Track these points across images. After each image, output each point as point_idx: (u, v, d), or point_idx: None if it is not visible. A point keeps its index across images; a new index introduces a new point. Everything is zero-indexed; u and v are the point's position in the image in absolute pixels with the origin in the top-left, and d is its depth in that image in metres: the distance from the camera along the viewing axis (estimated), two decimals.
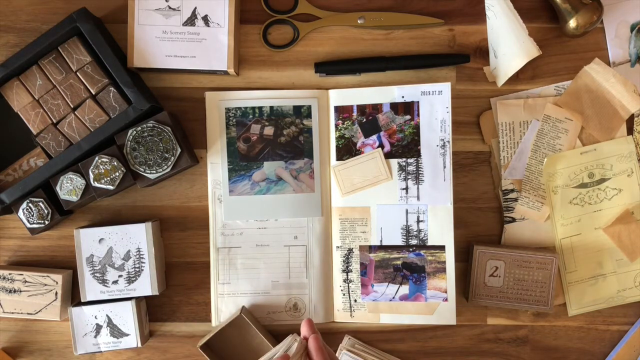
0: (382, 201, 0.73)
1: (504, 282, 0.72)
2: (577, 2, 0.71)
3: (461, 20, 0.75)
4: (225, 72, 0.73)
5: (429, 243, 0.73)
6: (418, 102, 0.73)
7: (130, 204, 0.75)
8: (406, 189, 0.73)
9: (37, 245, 0.75)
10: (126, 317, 0.72)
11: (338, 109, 0.74)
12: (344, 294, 0.74)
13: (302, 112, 0.74)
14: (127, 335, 0.72)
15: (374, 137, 0.73)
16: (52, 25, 0.70)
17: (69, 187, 0.69)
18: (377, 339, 0.76)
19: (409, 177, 0.73)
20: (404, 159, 0.73)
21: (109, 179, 0.69)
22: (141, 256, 0.72)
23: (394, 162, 0.73)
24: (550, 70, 0.75)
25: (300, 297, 0.74)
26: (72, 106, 0.71)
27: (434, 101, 0.72)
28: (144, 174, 0.70)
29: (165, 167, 0.69)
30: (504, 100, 0.74)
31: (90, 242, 0.72)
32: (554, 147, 0.74)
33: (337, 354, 0.73)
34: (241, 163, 0.74)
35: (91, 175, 0.69)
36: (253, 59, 0.75)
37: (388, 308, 0.74)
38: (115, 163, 0.69)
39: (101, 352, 0.73)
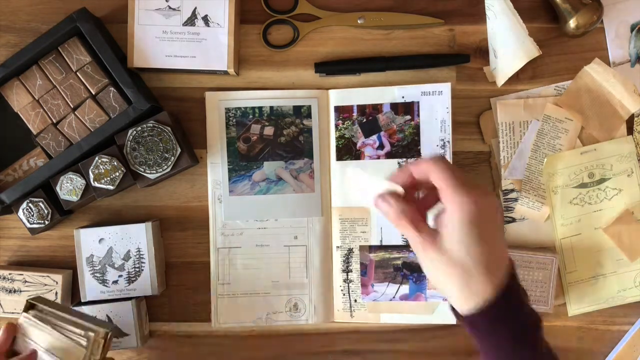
0: None
1: None
2: (577, 2, 0.71)
3: (461, 20, 0.75)
4: (225, 72, 0.73)
5: None
6: (418, 102, 0.73)
7: (130, 204, 0.75)
8: None
9: (37, 245, 0.75)
10: (126, 317, 0.72)
11: (338, 109, 0.74)
12: (344, 294, 0.74)
13: (302, 112, 0.74)
14: (127, 335, 0.72)
15: (374, 137, 0.73)
16: (52, 25, 0.70)
17: (69, 187, 0.69)
18: (377, 339, 0.76)
19: None
20: (404, 159, 0.73)
21: (109, 179, 0.69)
22: (141, 256, 0.72)
23: (394, 162, 0.73)
24: (550, 70, 0.75)
25: (300, 297, 0.74)
26: (72, 106, 0.71)
27: (434, 101, 0.72)
28: (144, 174, 0.70)
29: (165, 167, 0.69)
30: (504, 100, 0.74)
31: (90, 242, 0.72)
32: (554, 147, 0.74)
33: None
34: (241, 163, 0.74)
35: (91, 175, 0.69)
36: (253, 59, 0.75)
37: (388, 308, 0.74)
38: (115, 163, 0.69)
39: None
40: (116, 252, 0.72)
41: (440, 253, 0.49)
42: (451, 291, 0.50)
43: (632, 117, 0.74)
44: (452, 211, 0.49)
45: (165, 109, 0.71)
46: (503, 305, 0.49)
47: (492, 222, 0.50)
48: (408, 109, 0.73)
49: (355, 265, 0.74)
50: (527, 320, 0.51)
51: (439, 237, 0.50)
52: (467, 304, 0.50)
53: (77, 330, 0.62)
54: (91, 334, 0.62)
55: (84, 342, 0.61)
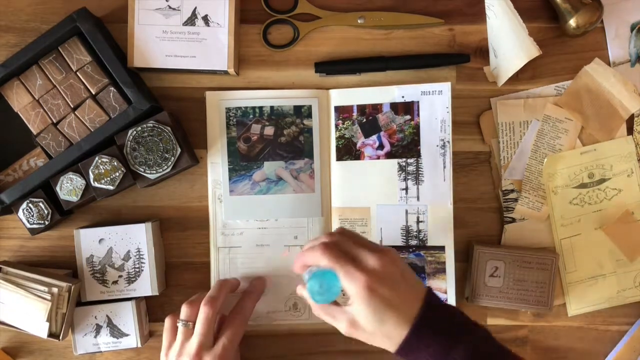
0: (382, 201, 0.73)
1: (504, 282, 0.72)
2: (577, 2, 0.71)
3: (461, 20, 0.75)
4: (225, 72, 0.73)
5: (429, 243, 0.73)
6: (418, 102, 0.73)
7: (130, 204, 0.75)
8: (406, 189, 0.73)
9: (37, 245, 0.75)
10: (126, 317, 0.72)
11: (338, 109, 0.74)
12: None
13: (302, 112, 0.74)
14: (127, 335, 0.72)
15: (374, 137, 0.73)
16: (52, 25, 0.70)
17: (69, 187, 0.69)
18: None
19: (409, 177, 0.73)
20: (404, 159, 0.73)
21: (109, 179, 0.69)
22: (141, 256, 0.72)
23: (394, 162, 0.73)
24: (550, 70, 0.75)
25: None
26: (72, 106, 0.71)
27: (434, 101, 0.72)
28: (144, 174, 0.70)
29: (165, 167, 0.69)
30: (504, 100, 0.74)
31: (90, 242, 0.72)
32: (554, 147, 0.74)
33: None
34: (241, 163, 0.74)
35: (91, 176, 0.69)
36: (253, 58, 0.75)
37: None
38: (115, 163, 0.69)
39: (101, 352, 0.73)
40: (116, 252, 0.72)
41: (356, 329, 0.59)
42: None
43: (632, 117, 0.74)
44: (350, 292, 0.57)
45: (165, 109, 0.71)
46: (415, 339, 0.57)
47: (388, 285, 0.57)
48: (408, 108, 0.73)
49: None
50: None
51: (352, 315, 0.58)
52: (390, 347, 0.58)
53: (42, 288, 0.68)
54: (55, 289, 0.68)
55: (48, 297, 0.67)
